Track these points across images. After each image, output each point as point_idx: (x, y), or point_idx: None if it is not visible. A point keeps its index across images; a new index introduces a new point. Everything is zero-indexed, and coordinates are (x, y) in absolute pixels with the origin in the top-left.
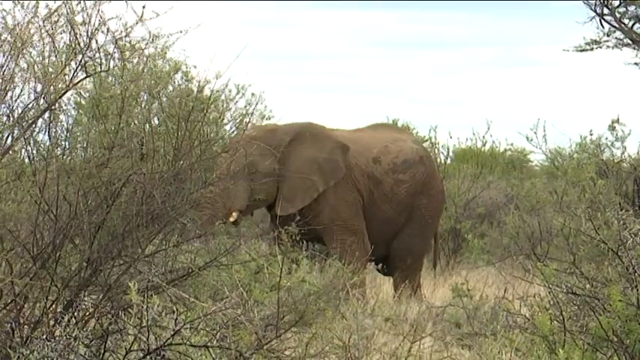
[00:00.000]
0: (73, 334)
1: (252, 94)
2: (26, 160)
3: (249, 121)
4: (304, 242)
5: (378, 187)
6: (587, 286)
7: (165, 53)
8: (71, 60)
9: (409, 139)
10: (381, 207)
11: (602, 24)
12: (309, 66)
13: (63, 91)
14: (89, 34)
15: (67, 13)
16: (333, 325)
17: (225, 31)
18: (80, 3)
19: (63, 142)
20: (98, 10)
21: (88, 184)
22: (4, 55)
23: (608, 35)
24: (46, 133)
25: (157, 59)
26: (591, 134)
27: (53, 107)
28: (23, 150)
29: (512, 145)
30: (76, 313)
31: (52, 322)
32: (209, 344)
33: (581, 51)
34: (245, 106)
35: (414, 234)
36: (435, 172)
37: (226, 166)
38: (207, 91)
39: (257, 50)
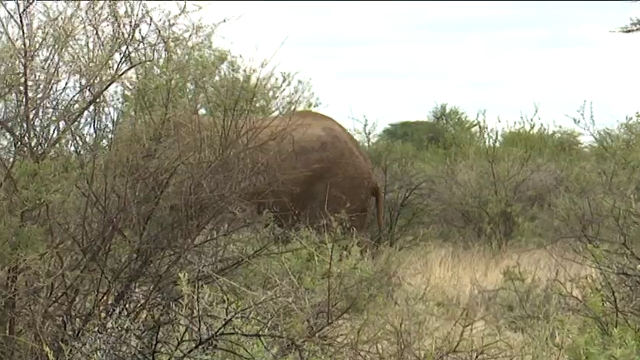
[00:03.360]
0: (125, 326)
1: (299, 82)
2: (73, 152)
3: (294, 109)
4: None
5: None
6: (639, 266)
7: (211, 43)
8: (115, 51)
9: (320, 126)
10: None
11: None
12: (355, 52)
13: (107, 83)
14: (132, 25)
15: (110, 4)
16: (385, 311)
17: (271, 20)
18: None
19: (109, 134)
20: (140, 1)
21: (135, 175)
22: (47, 49)
23: None
24: (92, 125)
25: (203, 49)
26: (638, 115)
27: (98, 99)
28: (70, 143)
29: (560, 127)
30: (127, 305)
31: (103, 315)
32: (261, 333)
33: (628, 32)
34: (292, 94)
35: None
36: (343, 159)
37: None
38: (253, 79)
39: (303, 37)
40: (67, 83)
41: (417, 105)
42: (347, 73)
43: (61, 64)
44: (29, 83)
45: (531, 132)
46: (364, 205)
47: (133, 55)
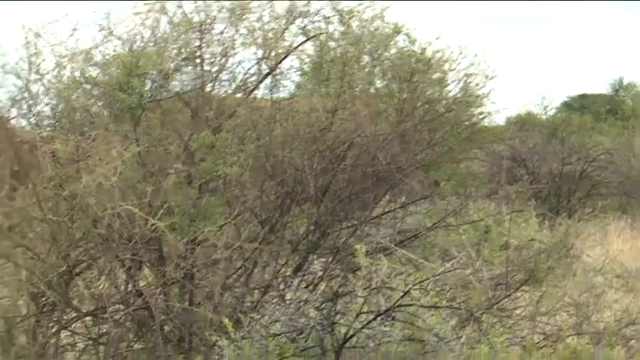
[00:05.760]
0: (304, 298)
1: (475, 55)
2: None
3: (470, 82)
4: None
5: None
6: None
7: (384, 16)
8: (290, 24)
9: None
10: None
11: None
12: (534, 26)
13: (283, 56)
14: None
15: None
16: (564, 283)
17: None
18: None
19: (285, 107)
20: None
21: (312, 148)
22: (223, 22)
23: None
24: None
25: (379, 22)
26: None
27: (274, 72)
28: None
29: None
30: (305, 277)
31: (281, 286)
32: (439, 304)
33: None
34: (468, 66)
35: None
36: None
37: None
38: (429, 52)
39: (485, 11)
40: (242, 56)
41: (596, 77)
42: (526, 47)
43: (236, 36)
44: (205, 56)
45: None
46: None
47: (308, 27)
